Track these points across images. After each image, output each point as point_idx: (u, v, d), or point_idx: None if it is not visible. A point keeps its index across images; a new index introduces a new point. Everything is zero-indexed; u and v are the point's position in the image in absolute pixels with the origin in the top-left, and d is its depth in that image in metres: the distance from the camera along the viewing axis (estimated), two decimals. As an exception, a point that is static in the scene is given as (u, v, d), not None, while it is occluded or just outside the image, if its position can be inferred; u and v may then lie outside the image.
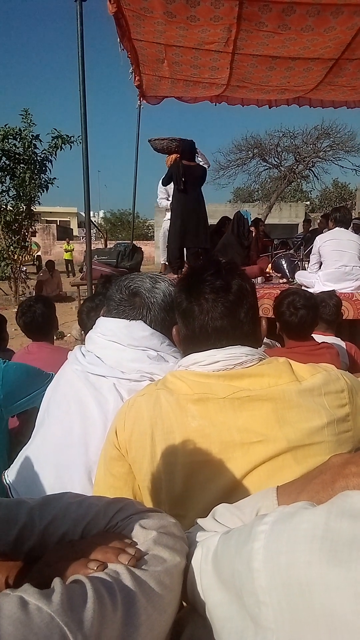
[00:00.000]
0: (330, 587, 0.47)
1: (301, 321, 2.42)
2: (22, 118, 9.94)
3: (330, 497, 0.63)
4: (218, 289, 1.01)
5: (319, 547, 0.49)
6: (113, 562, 0.59)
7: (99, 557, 0.60)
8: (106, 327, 1.29)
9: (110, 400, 1.19)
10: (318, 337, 2.66)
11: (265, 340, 2.79)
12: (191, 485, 0.93)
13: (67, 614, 0.46)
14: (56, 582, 0.51)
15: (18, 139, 9.85)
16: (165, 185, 6.34)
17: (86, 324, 2.02)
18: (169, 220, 6.48)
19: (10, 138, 9.79)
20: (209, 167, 7.87)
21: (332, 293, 3.26)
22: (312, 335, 2.59)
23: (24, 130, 9.89)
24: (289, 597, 0.50)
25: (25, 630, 0.43)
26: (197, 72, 5.48)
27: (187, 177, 5.90)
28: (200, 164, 7.21)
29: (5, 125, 9.79)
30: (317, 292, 3.44)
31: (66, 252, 21.16)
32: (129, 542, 0.64)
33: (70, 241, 22.74)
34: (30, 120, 9.95)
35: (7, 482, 1.26)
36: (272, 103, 6.53)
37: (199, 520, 0.77)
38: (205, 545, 0.66)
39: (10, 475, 1.27)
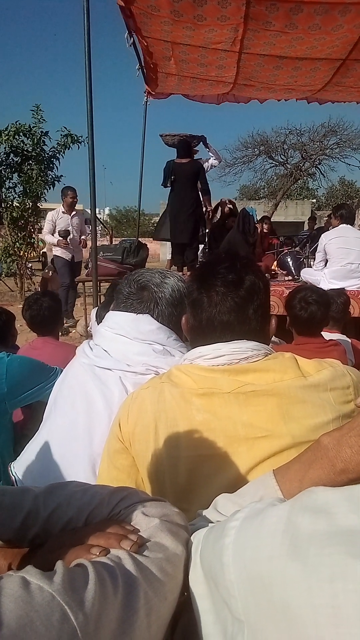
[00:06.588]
0: (287, 581, 0.48)
1: (310, 316, 2.41)
2: (33, 114, 9.92)
3: (333, 482, 0.64)
4: (229, 283, 1.00)
5: (280, 541, 0.51)
6: (115, 548, 0.60)
7: (101, 543, 0.61)
8: (113, 321, 1.29)
9: (115, 392, 1.20)
10: (325, 334, 2.65)
11: (273, 338, 2.78)
12: (195, 478, 0.93)
13: (68, 594, 0.47)
14: (58, 565, 0.52)
15: (28, 136, 9.84)
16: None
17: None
18: None
19: (21, 134, 9.78)
20: (220, 162, 7.84)
21: (341, 291, 3.26)
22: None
23: (33, 127, 9.89)
24: (253, 591, 0.52)
25: (26, 608, 0.44)
26: (204, 70, 5.44)
27: (177, 175, 5.90)
28: (211, 159, 7.21)
29: (16, 122, 9.78)
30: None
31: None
32: (131, 529, 0.65)
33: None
34: (41, 116, 9.94)
35: (14, 473, 1.27)
36: (279, 97, 6.45)
37: (203, 512, 0.77)
38: (196, 538, 0.67)
39: (17, 467, 1.28)
